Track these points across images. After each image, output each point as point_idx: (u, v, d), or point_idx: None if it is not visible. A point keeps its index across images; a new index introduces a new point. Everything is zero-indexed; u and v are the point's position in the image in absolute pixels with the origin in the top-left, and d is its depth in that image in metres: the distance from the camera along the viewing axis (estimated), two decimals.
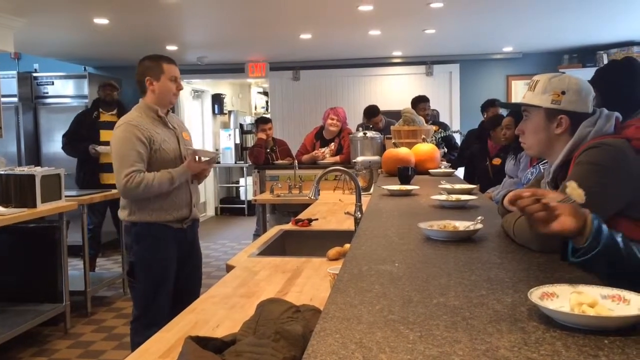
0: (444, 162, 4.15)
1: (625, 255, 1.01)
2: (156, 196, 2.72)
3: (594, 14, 5.45)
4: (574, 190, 1.01)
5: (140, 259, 2.78)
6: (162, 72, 2.79)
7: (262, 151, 5.64)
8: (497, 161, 4.70)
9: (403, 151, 3.51)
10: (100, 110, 5.58)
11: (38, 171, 3.81)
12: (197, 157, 2.81)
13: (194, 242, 2.99)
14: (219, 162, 10.02)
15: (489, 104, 5.56)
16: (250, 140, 9.31)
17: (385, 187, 2.65)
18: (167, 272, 2.81)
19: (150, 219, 2.76)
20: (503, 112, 5.21)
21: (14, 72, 7.04)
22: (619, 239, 1.02)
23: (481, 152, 4.94)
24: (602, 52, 7.11)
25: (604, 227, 1.01)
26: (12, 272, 4.13)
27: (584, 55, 7.37)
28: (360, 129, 5.01)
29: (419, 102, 5.75)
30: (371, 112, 5.87)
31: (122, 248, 4.18)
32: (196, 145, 10.16)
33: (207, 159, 2.85)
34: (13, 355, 3.71)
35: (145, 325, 2.66)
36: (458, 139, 6.18)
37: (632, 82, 2.41)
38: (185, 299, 2.80)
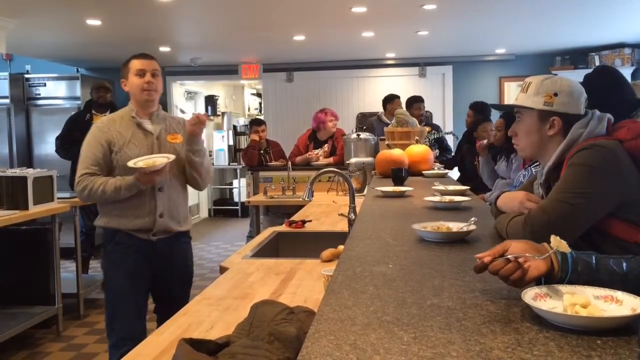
0: (437, 164, 4.16)
1: (600, 273, 1.02)
2: (117, 201, 2.52)
3: (586, 16, 5.49)
4: (559, 242, 1.03)
5: (104, 269, 2.65)
6: (129, 70, 2.58)
7: (255, 153, 5.64)
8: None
9: (396, 152, 3.51)
10: (93, 112, 5.55)
11: (30, 173, 3.79)
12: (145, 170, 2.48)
13: (170, 258, 2.64)
14: (213, 164, 10.00)
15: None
16: (244, 142, 9.30)
17: (378, 188, 2.65)
18: (130, 287, 2.56)
19: (113, 225, 2.57)
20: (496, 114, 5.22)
21: (6, 74, 7.00)
22: (593, 260, 1.03)
23: (470, 152, 4.99)
24: (593, 54, 7.16)
25: (570, 255, 1.03)
26: (4, 274, 4.10)
27: (575, 57, 7.42)
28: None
29: (414, 102, 5.77)
30: (388, 99, 5.89)
31: None
32: None
33: (154, 169, 2.44)
34: (5, 358, 3.68)
35: (113, 345, 2.54)
36: (451, 140, 6.21)
37: (609, 90, 2.40)
38: (159, 318, 2.68)
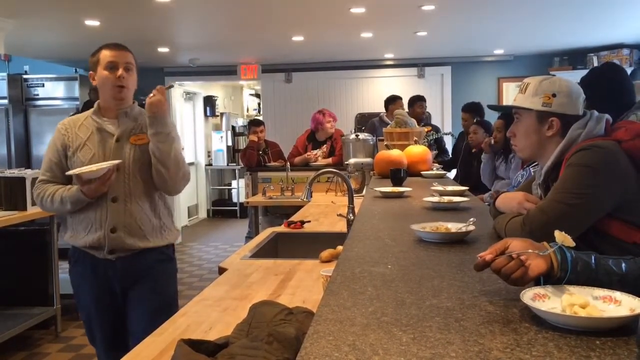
0: (436, 164, 4.16)
1: (599, 274, 1.02)
2: (74, 213, 2.24)
3: (584, 17, 5.49)
4: (564, 237, 1.03)
5: (72, 286, 2.38)
6: (98, 61, 2.24)
7: (254, 153, 5.64)
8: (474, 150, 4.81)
9: (395, 153, 3.52)
10: None
11: (28, 174, 3.78)
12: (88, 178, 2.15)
13: (138, 281, 2.26)
14: (209, 166, 10.01)
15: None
16: (243, 143, 9.30)
17: (377, 189, 2.65)
18: (97, 309, 2.29)
19: (69, 241, 2.29)
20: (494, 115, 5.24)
21: (4, 74, 6.99)
22: (592, 260, 1.04)
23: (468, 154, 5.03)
24: (592, 54, 7.17)
25: (570, 254, 1.03)
26: (2, 275, 4.10)
27: (574, 57, 7.43)
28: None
29: (417, 101, 5.82)
30: (390, 99, 5.91)
31: None
32: (188, 147, 10.00)
33: (95, 177, 2.13)
34: (4, 359, 3.68)
35: (99, 356, 2.36)
36: (449, 141, 6.22)
37: (615, 86, 2.44)
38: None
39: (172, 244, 2.39)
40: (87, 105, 5.63)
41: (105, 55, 2.23)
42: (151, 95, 2.20)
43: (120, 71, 2.21)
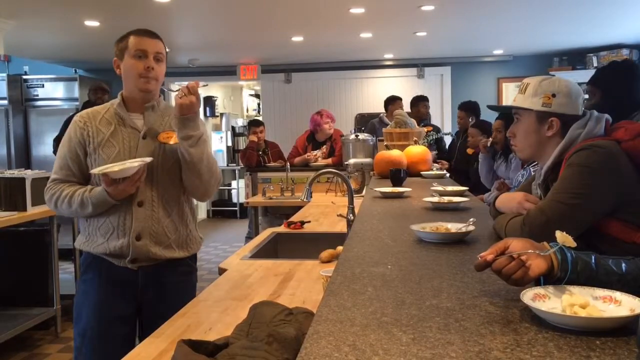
0: (436, 165, 4.16)
1: (599, 274, 1.03)
2: (91, 217, 2.01)
3: (584, 17, 5.50)
4: (565, 238, 1.03)
5: (77, 298, 2.09)
6: (126, 48, 2.02)
7: (254, 154, 5.64)
8: (470, 151, 4.84)
9: (395, 153, 3.51)
10: None
11: (28, 174, 3.78)
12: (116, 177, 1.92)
13: (159, 294, 2.04)
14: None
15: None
16: (242, 143, 9.30)
17: (377, 189, 2.65)
18: (100, 327, 2.00)
19: (85, 247, 2.04)
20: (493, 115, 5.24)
21: (4, 75, 6.99)
22: (592, 260, 1.04)
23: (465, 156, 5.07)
24: (591, 54, 7.17)
25: (570, 254, 1.03)
26: (2, 275, 4.10)
27: (573, 57, 7.43)
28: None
29: (421, 101, 5.82)
30: (389, 100, 5.92)
31: None
32: None
33: (124, 176, 1.90)
34: (3, 359, 3.68)
35: None
36: (449, 141, 6.23)
37: (632, 83, 2.51)
38: None
39: (196, 254, 2.22)
40: (86, 106, 5.64)
41: (135, 41, 2.01)
42: (179, 94, 1.95)
43: (150, 60, 2.01)
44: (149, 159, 1.94)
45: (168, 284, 2.06)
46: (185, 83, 2.07)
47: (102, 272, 2.02)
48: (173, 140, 2.02)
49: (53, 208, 2.06)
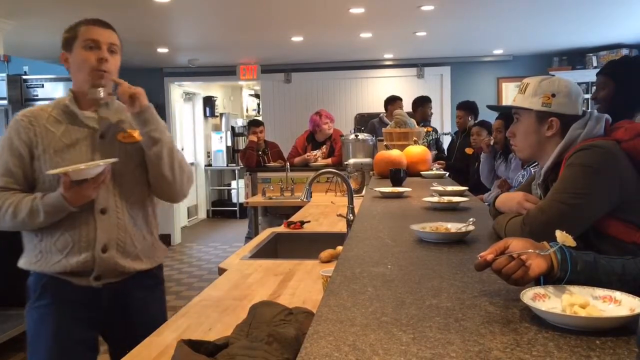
0: (436, 165, 4.17)
1: (599, 273, 1.03)
2: (45, 230, 1.74)
3: (583, 17, 5.50)
4: (565, 237, 1.03)
5: (28, 327, 1.82)
6: (75, 38, 1.80)
7: (253, 154, 5.64)
8: (469, 150, 4.86)
9: (395, 153, 3.52)
10: None
11: None
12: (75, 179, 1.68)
13: (126, 313, 1.84)
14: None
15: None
16: (242, 143, 9.30)
17: (377, 189, 2.65)
18: (60, 356, 1.77)
19: (35, 267, 1.78)
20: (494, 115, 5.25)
21: (4, 75, 6.98)
22: (592, 260, 1.04)
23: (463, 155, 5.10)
24: (591, 54, 7.17)
25: (569, 254, 1.03)
26: (2, 276, 4.09)
27: (573, 57, 7.43)
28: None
29: (426, 102, 5.82)
30: (389, 100, 5.92)
31: None
32: (187, 148, 9.98)
33: (87, 177, 1.68)
34: (3, 359, 3.68)
35: None
36: (447, 142, 6.24)
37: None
38: None
39: (162, 264, 2.01)
40: None
41: (86, 31, 1.80)
42: (122, 86, 1.77)
43: (103, 52, 1.78)
44: (113, 160, 1.74)
45: (135, 300, 1.85)
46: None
47: (60, 294, 1.77)
48: (134, 138, 1.83)
49: None
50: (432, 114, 5.86)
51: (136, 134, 1.82)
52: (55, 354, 1.76)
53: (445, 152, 5.86)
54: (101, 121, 1.83)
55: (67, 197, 1.68)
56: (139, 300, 1.87)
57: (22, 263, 1.84)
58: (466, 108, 5.37)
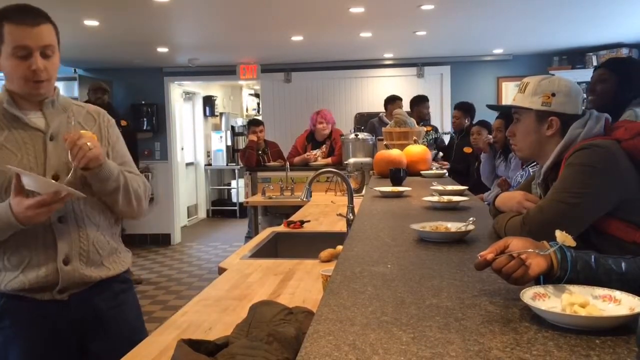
0: (436, 164, 4.17)
1: (599, 273, 1.03)
2: None
3: (583, 16, 5.50)
4: (565, 237, 1.04)
5: None
6: (2, 42, 1.55)
7: (253, 153, 5.64)
8: (467, 149, 4.86)
9: (395, 153, 3.52)
10: None
11: None
12: (28, 186, 1.51)
13: (101, 322, 1.70)
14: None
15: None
16: (242, 142, 9.30)
17: (377, 188, 2.65)
18: None
19: None
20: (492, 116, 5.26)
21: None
22: (592, 259, 1.04)
23: (462, 155, 5.11)
24: (591, 53, 7.17)
25: (569, 253, 1.03)
26: None
27: (573, 57, 7.43)
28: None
29: (422, 101, 5.82)
30: (389, 99, 5.92)
31: None
32: (187, 147, 9.97)
33: (44, 192, 1.50)
34: None
35: None
36: (447, 141, 6.25)
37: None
38: None
39: (129, 268, 1.85)
40: None
41: (11, 33, 1.53)
42: (76, 143, 1.53)
43: (36, 60, 1.55)
44: (81, 194, 1.55)
45: (109, 308, 1.72)
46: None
47: (23, 314, 1.61)
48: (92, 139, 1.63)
49: None
50: (428, 113, 5.85)
51: (89, 135, 1.61)
52: None
53: (445, 152, 5.87)
54: (49, 122, 1.66)
55: (16, 213, 1.49)
56: (112, 310, 1.72)
57: None
58: (463, 109, 5.39)
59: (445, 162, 4.97)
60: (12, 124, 1.62)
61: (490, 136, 4.33)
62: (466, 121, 5.30)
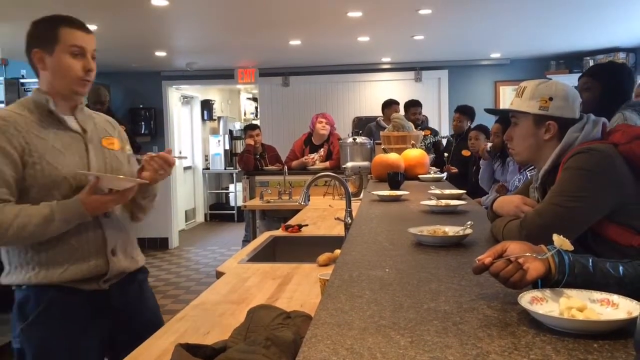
0: (434, 168, 4.17)
1: (597, 276, 1.03)
2: (43, 242, 1.65)
3: (580, 20, 5.52)
4: (562, 241, 1.04)
5: (30, 347, 1.72)
6: (57, 41, 1.68)
7: (251, 157, 5.64)
8: (466, 152, 4.87)
9: (393, 157, 3.52)
10: None
11: None
12: (103, 186, 1.69)
13: (130, 309, 1.83)
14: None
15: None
16: (240, 146, 9.30)
17: (375, 192, 2.66)
18: None
19: (39, 280, 1.67)
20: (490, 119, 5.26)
21: (1, 79, 6.97)
22: (589, 263, 1.04)
23: (460, 158, 5.12)
24: (588, 58, 7.19)
25: (567, 257, 1.03)
26: None
27: (570, 61, 7.45)
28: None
29: (410, 107, 5.82)
30: (386, 104, 5.93)
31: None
32: (185, 151, 9.97)
33: (121, 189, 1.72)
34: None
35: None
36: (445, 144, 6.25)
37: (629, 80, 2.78)
38: None
39: None
40: None
41: (69, 35, 1.69)
42: (156, 164, 1.77)
43: (88, 61, 1.73)
44: (144, 181, 1.76)
45: (138, 296, 1.90)
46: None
47: (70, 306, 1.71)
48: (116, 146, 1.85)
49: None
50: (419, 118, 5.84)
51: (116, 142, 1.86)
52: None
53: (444, 155, 5.87)
54: (84, 126, 1.79)
55: (87, 202, 1.64)
56: (141, 296, 1.93)
57: (14, 278, 1.71)
58: (464, 112, 5.40)
59: (454, 168, 4.97)
60: (56, 126, 1.73)
61: (489, 143, 4.35)
62: (467, 124, 5.30)
